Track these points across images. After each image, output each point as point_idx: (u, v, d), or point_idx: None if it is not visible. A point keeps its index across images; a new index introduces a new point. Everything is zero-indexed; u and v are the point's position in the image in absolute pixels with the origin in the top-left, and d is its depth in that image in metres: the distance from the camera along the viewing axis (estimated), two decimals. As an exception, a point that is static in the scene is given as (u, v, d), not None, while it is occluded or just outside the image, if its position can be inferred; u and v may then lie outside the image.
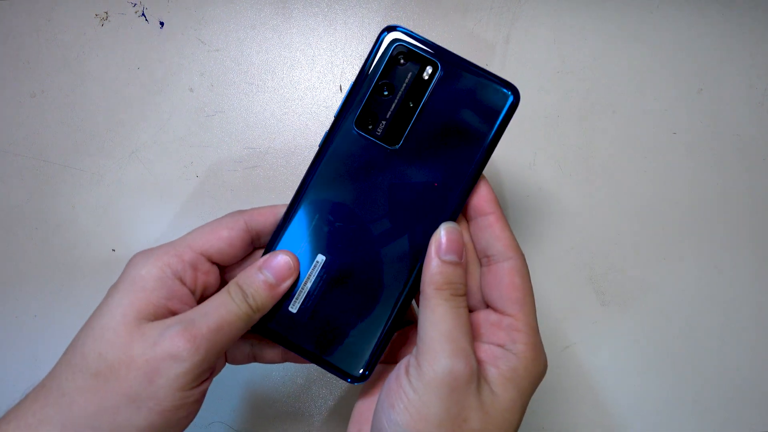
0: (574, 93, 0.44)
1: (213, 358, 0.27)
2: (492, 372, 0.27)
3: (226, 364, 0.33)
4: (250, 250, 0.32)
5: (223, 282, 0.31)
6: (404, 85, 0.29)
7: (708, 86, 0.45)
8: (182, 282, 0.28)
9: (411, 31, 0.29)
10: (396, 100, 0.29)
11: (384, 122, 0.29)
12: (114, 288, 0.28)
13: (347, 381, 0.30)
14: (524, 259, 0.29)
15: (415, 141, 0.29)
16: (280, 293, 0.29)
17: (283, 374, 0.43)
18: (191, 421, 0.29)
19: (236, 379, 0.43)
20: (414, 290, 0.30)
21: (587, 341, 0.43)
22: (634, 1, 0.45)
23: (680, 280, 0.44)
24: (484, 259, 0.30)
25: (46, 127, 0.44)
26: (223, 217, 0.31)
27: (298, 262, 0.30)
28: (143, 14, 0.44)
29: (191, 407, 0.27)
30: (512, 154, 0.44)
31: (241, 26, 0.44)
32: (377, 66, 0.29)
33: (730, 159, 0.44)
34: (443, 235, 0.28)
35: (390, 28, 0.29)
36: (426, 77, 0.29)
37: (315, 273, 0.30)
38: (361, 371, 0.30)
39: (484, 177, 0.30)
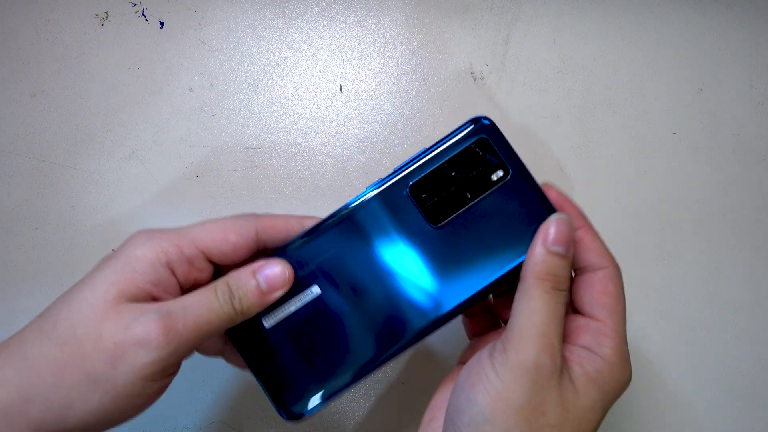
0: (574, 93, 0.44)
1: (183, 353, 0.26)
2: (576, 370, 0.27)
3: (196, 353, 0.33)
4: (252, 255, 0.31)
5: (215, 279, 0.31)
6: (471, 174, 0.29)
7: (708, 86, 0.45)
8: (173, 273, 0.28)
9: (499, 131, 0.29)
10: (457, 185, 0.29)
11: (436, 198, 0.29)
12: (105, 262, 0.28)
13: (280, 415, 0.30)
14: (619, 269, 0.29)
15: (456, 230, 0.29)
16: (268, 301, 0.28)
17: (283, 374, 0.43)
18: (144, 409, 0.28)
19: (237, 380, 0.43)
20: (381, 366, 0.30)
21: (587, 341, 0.43)
22: (634, 1, 0.45)
23: (680, 280, 0.44)
24: (577, 269, 0.30)
25: (46, 127, 0.44)
26: (236, 218, 0.30)
27: (293, 276, 0.29)
28: (143, 14, 0.44)
29: (149, 398, 0.27)
30: (512, 154, 0.44)
31: (241, 26, 0.44)
32: (455, 145, 0.29)
33: (730, 159, 0.44)
34: (552, 225, 0.28)
35: (482, 122, 0.29)
36: (494, 179, 0.29)
37: (303, 301, 0.30)
38: (297, 413, 0.30)
39: (567, 198, 0.30)
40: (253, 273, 0.28)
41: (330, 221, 0.30)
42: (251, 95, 0.44)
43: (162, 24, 0.44)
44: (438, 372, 0.43)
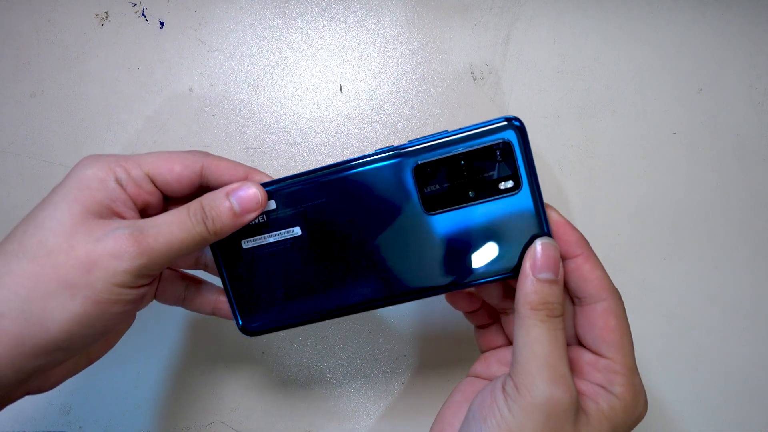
0: (574, 93, 0.44)
1: (156, 267, 0.27)
2: (591, 406, 0.27)
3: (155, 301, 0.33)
4: (196, 190, 0.31)
5: (165, 209, 0.31)
6: (481, 175, 0.28)
7: (708, 86, 0.45)
8: (125, 191, 0.28)
9: (527, 139, 0.27)
10: (464, 179, 0.28)
11: (438, 186, 0.28)
12: (58, 186, 0.28)
13: (237, 326, 0.32)
14: (619, 298, 0.29)
15: (445, 224, 0.29)
16: (242, 223, 0.29)
17: (284, 374, 0.43)
18: (128, 319, 0.29)
19: (236, 379, 0.43)
20: (329, 318, 0.31)
21: (587, 341, 0.43)
22: (634, 1, 0.45)
23: (680, 280, 0.44)
24: (576, 299, 0.29)
25: (46, 127, 0.44)
26: (187, 151, 0.30)
27: (266, 200, 0.30)
28: (143, 14, 0.44)
29: (127, 305, 0.27)
30: (512, 154, 0.44)
31: (241, 26, 0.44)
32: (477, 138, 0.28)
33: (730, 159, 0.44)
34: (539, 251, 0.27)
35: (513, 124, 0.27)
36: (502, 187, 0.28)
37: (283, 236, 0.30)
38: (249, 329, 0.32)
39: (567, 222, 0.29)
40: (227, 194, 0.29)
41: (329, 171, 0.30)
42: (251, 95, 0.44)
43: (162, 24, 0.44)
44: (437, 372, 0.43)
